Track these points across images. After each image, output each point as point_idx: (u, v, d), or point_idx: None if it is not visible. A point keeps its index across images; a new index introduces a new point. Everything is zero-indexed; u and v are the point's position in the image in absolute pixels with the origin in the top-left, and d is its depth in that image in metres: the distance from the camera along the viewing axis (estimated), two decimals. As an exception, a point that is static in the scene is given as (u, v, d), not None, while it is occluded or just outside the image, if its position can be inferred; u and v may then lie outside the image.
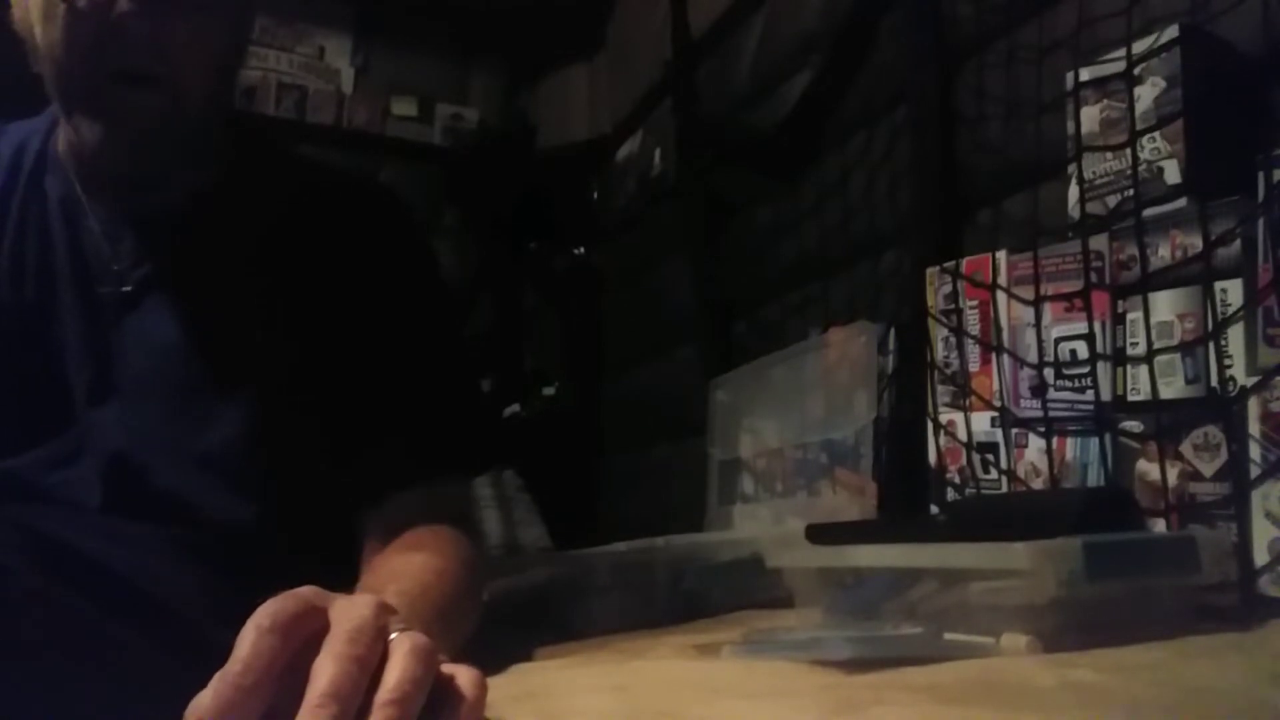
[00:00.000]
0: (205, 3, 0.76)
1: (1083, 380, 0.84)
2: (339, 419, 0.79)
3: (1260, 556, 0.69)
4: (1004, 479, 0.91)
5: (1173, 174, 0.80)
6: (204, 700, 0.40)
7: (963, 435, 0.95)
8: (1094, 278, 0.84)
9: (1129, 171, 0.83)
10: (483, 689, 0.45)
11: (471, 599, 0.71)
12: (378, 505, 0.77)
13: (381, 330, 0.82)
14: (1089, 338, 0.84)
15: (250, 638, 0.40)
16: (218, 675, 0.40)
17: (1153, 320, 0.78)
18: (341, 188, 0.89)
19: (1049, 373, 0.87)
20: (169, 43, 0.74)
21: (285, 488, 0.77)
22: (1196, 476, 0.74)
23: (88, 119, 0.75)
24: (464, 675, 0.44)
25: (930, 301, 1.01)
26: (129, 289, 0.80)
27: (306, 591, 0.44)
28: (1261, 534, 0.69)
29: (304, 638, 0.42)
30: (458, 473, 0.85)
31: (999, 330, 0.93)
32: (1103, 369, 0.82)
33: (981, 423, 0.94)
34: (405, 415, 0.80)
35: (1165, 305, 0.78)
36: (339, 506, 0.78)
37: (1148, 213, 0.80)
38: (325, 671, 0.40)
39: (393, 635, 0.44)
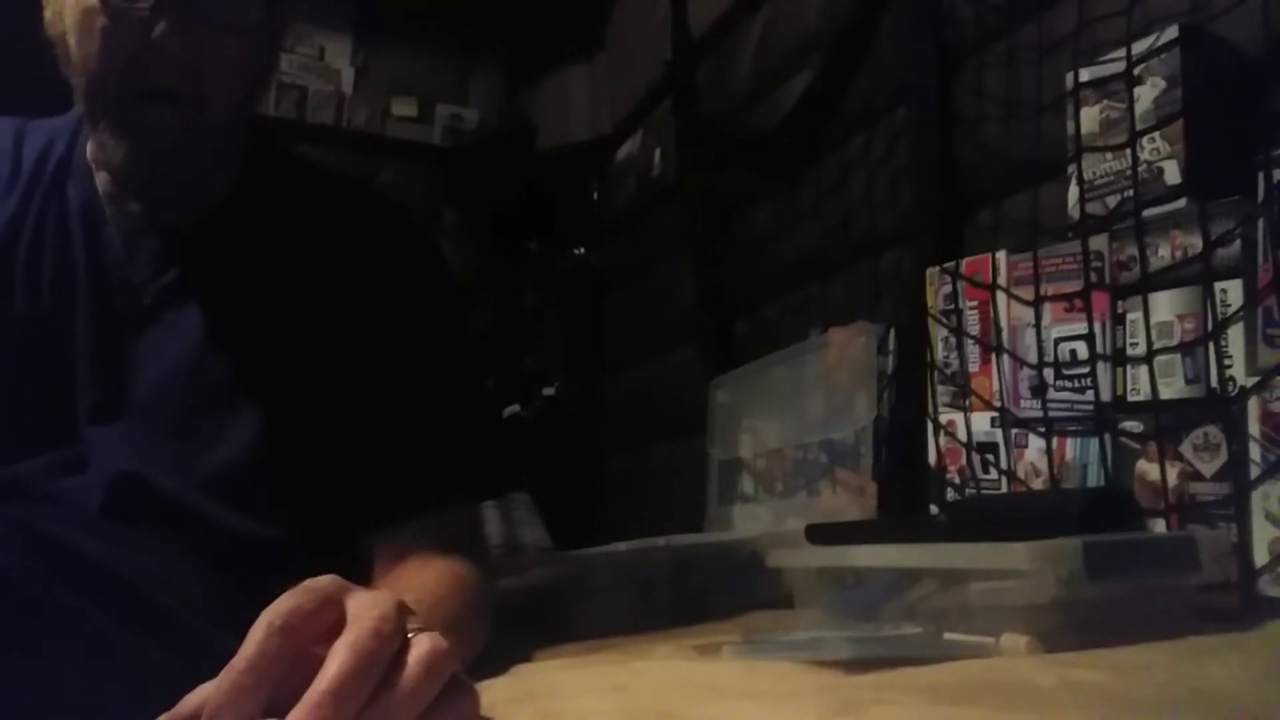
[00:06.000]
0: (241, 26, 0.76)
1: (1083, 380, 0.84)
2: (352, 441, 0.78)
3: (1260, 556, 0.69)
4: (1004, 479, 0.91)
5: (1173, 174, 0.80)
6: (205, 692, 0.41)
7: (963, 435, 0.95)
8: (1094, 278, 0.84)
9: (1129, 171, 0.83)
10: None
11: (479, 621, 0.71)
12: (389, 530, 0.77)
13: (397, 354, 0.81)
14: (1089, 338, 0.84)
15: (258, 635, 0.41)
16: (224, 670, 0.40)
17: (1153, 320, 0.78)
18: (359, 207, 0.88)
19: (1049, 373, 0.87)
20: (203, 64, 0.74)
21: (294, 507, 0.77)
22: (1196, 476, 0.74)
23: (114, 135, 0.76)
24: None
25: (930, 302, 1.01)
26: (148, 302, 0.79)
27: (326, 583, 0.44)
28: (1261, 534, 0.69)
29: (316, 633, 0.42)
30: (470, 499, 0.85)
31: (999, 330, 0.93)
32: (1102, 369, 0.82)
33: (981, 423, 0.94)
34: (420, 441, 0.80)
35: (1165, 305, 0.78)
36: (349, 526, 0.77)
37: (1148, 213, 0.80)
38: (335, 662, 0.40)
39: (410, 634, 0.44)
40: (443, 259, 0.92)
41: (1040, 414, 0.88)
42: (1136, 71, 0.83)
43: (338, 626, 0.43)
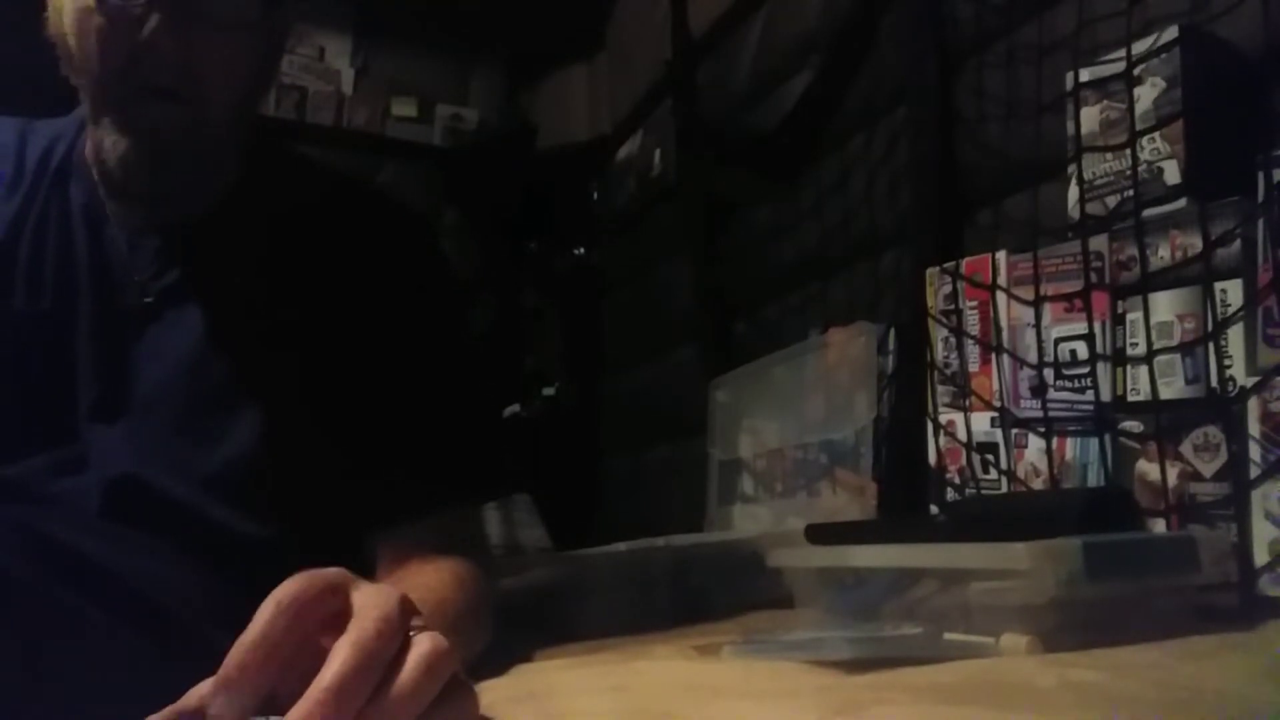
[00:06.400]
0: (235, 23, 0.76)
1: (1083, 380, 0.84)
2: (354, 441, 0.78)
3: (1260, 556, 0.69)
4: (1004, 479, 0.91)
5: (1173, 174, 0.80)
6: (205, 689, 0.41)
7: (963, 435, 0.95)
8: (1094, 278, 0.84)
9: (1129, 171, 0.83)
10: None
11: (480, 621, 0.71)
12: (391, 530, 0.77)
13: (400, 354, 0.81)
14: (1089, 338, 0.84)
15: (266, 614, 0.41)
16: (233, 647, 0.41)
17: (1153, 320, 0.78)
18: (360, 206, 0.88)
19: (1049, 373, 0.87)
20: (197, 61, 0.74)
21: (296, 507, 0.77)
22: (1196, 476, 0.74)
23: (114, 131, 0.76)
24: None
25: (930, 302, 1.01)
26: (150, 300, 0.79)
27: (333, 573, 0.45)
28: (1261, 534, 0.69)
29: (321, 619, 0.43)
30: (471, 500, 0.85)
31: (999, 330, 0.93)
32: (1102, 369, 0.82)
33: (981, 423, 0.94)
34: (422, 442, 0.80)
35: (1165, 305, 0.78)
36: (351, 526, 0.77)
37: (1148, 213, 0.80)
38: (337, 660, 0.40)
39: (411, 633, 0.44)
40: (445, 258, 0.92)
41: (1040, 414, 0.88)
42: (1136, 71, 0.83)
43: (341, 616, 0.43)
